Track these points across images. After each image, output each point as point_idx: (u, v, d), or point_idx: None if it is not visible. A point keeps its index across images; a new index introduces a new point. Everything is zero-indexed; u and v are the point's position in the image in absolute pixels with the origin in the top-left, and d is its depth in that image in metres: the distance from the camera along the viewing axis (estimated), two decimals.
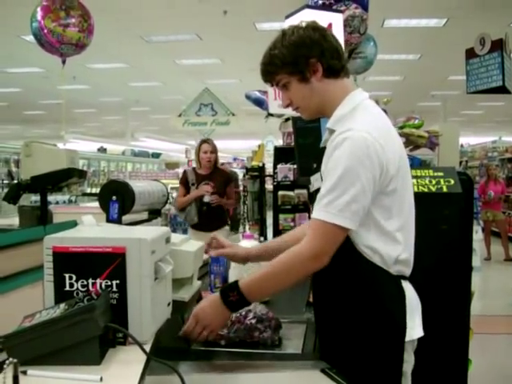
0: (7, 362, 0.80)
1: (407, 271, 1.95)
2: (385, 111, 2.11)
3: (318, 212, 1.79)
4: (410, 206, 1.98)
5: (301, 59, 1.96)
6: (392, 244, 1.87)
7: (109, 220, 2.41)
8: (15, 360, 0.80)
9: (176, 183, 14.53)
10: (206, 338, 1.91)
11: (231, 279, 2.59)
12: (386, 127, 1.93)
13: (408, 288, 1.94)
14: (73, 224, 2.72)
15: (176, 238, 1.92)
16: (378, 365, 1.87)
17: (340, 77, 2.01)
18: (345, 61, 2.05)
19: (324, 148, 2.01)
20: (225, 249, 2.32)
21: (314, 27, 2.00)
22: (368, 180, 1.77)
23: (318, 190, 1.97)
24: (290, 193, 5.34)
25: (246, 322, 2.02)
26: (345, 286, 1.87)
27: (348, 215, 1.76)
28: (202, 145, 6.13)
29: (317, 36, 1.97)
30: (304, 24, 2.03)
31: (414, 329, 1.92)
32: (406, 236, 1.92)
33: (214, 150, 6.09)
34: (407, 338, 1.88)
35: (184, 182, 6.11)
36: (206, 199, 5.76)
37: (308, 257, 1.78)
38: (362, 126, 1.83)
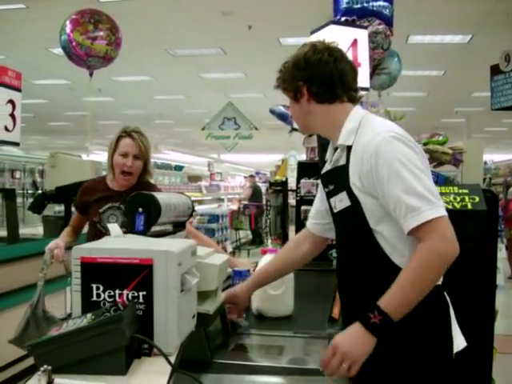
0: (41, 369, 0.81)
1: (441, 279, 1.93)
2: None
3: (413, 219, 1.74)
4: None
5: (291, 79, 2.02)
6: None
7: (134, 232, 2.42)
8: (49, 367, 0.82)
9: (199, 196, 14.59)
10: (348, 372, 1.72)
11: (254, 293, 2.59)
12: (400, 128, 1.95)
13: (448, 298, 1.94)
14: None
15: (201, 250, 1.93)
16: (429, 379, 1.84)
17: (337, 102, 2.01)
18: (344, 89, 2.02)
19: (336, 168, 2.01)
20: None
21: (317, 49, 2.01)
22: (423, 165, 1.82)
23: (345, 210, 1.96)
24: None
25: None
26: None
27: (438, 203, 1.76)
28: (120, 139, 3.41)
29: (313, 59, 1.98)
30: (319, 43, 2.05)
31: (459, 339, 1.92)
32: None
33: (143, 153, 3.44)
34: (456, 349, 1.87)
35: (78, 202, 3.55)
36: None
37: (440, 244, 1.73)
38: (382, 128, 1.86)
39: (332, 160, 2.05)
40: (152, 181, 3.67)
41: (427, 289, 1.75)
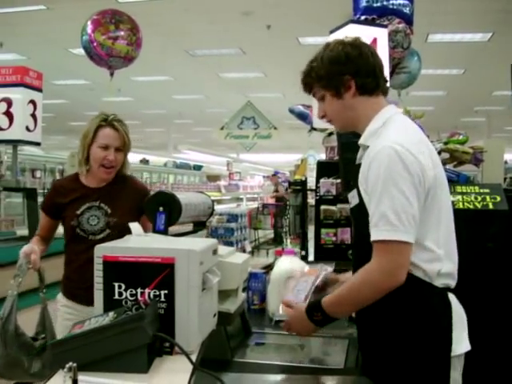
0: (67, 366, 0.82)
1: (452, 283, 1.93)
2: (420, 127, 2.11)
3: (374, 234, 1.80)
4: (449, 217, 1.96)
5: (335, 75, 1.99)
6: (432, 258, 1.85)
7: (155, 231, 2.44)
8: (75, 364, 0.83)
9: (218, 195, 14.61)
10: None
11: (270, 295, 2.59)
12: (417, 138, 1.93)
13: (454, 301, 1.91)
14: None
15: (222, 249, 1.94)
16: (423, 380, 1.85)
17: (374, 95, 2.03)
18: (382, 80, 2.06)
19: (358, 164, 2.01)
20: None
21: (353, 44, 2.03)
22: (409, 189, 1.77)
23: (355, 207, 1.98)
24: (332, 207, 5.31)
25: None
26: (389, 301, 1.84)
27: (400, 228, 1.75)
28: (100, 129, 2.91)
29: (354, 53, 1.99)
30: (347, 40, 2.05)
31: (461, 343, 1.89)
32: (446, 248, 1.89)
33: (126, 145, 2.96)
34: (453, 353, 1.85)
35: (49, 205, 3.02)
36: None
37: (377, 275, 1.78)
38: (392, 138, 1.85)
39: (358, 156, 2.07)
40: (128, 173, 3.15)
41: (363, 305, 1.88)
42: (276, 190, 15.67)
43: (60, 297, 2.96)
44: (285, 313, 2.16)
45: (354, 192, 1.98)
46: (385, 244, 1.76)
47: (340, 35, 3.60)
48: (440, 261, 1.86)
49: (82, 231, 2.85)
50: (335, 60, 1.99)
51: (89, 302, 2.58)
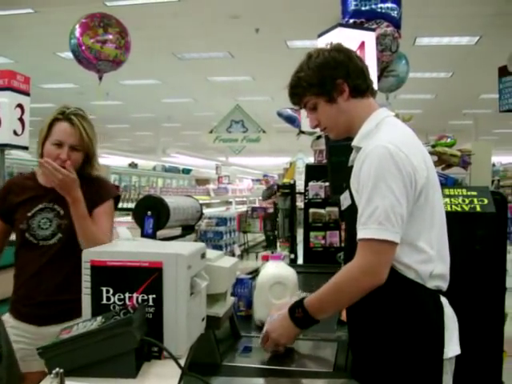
0: (53, 371, 0.82)
1: (444, 285, 1.94)
2: None
3: (360, 231, 1.81)
4: (442, 219, 1.97)
5: (327, 80, 1.99)
6: (425, 259, 1.86)
7: (143, 235, 2.44)
8: (61, 370, 0.82)
9: (206, 199, 14.59)
10: (276, 349, 2.06)
11: (256, 302, 2.56)
12: (409, 139, 1.95)
13: (446, 304, 1.92)
14: None
15: (211, 253, 1.93)
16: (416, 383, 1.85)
17: (366, 96, 2.05)
18: (370, 81, 2.08)
19: (350, 167, 2.02)
20: None
21: (338, 49, 2.05)
22: (399, 189, 1.78)
23: (347, 209, 1.99)
24: (321, 210, 5.32)
25: None
26: (380, 302, 1.86)
27: (389, 227, 1.76)
28: (55, 123, 2.56)
29: (341, 57, 2.01)
30: (329, 46, 2.07)
31: (452, 346, 1.89)
32: (439, 249, 1.90)
33: (85, 143, 2.57)
34: (445, 356, 1.85)
35: (2, 209, 2.64)
36: None
37: (359, 273, 1.80)
38: (385, 138, 1.86)
39: (351, 158, 2.07)
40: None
41: (344, 305, 1.97)
42: (273, 193, 15.54)
43: (7, 317, 2.54)
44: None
45: (347, 193, 1.99)
46: (372, 242, 1.77)
47: (328, 39, 3.62)
48: (432, 262, 1.87)
49: (31, 236, 2.51)
50: (325, 65, 2.00)
51: (41, 321, 2.46)
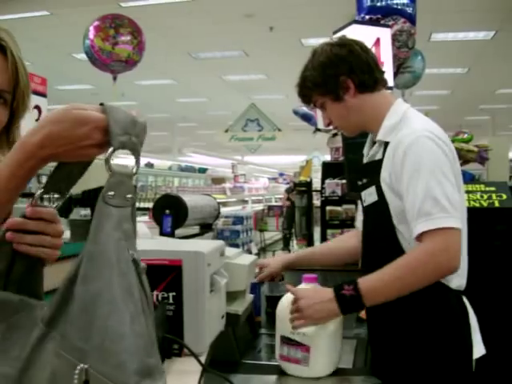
0: (78, 367, 0.83)
1: (464, 282, 1.89)
2: None
3: (428, 223, 1.69)
4: (465, 213, 1.92)
5: (330, 79, 1.95)
6: None
7: (162, 233, 2.45)
8: (85, 366, 0.83)
9: (223, 198, 14.65)
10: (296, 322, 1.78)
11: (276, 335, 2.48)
12: (440, 128, 1.90)
13: (468, 304, 1.88)
14: None
15: (229, 251, 1.94)
16: None
17: (376, 89, 2.00)
18: (379, 73, 2.02)
19: (371, 162, 1.99)
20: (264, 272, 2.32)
21: (341, 43, 2.00)
22: (451, 176, 1.75)
23: (372, 205, 1.95)
24: (338, 208, 5.33)
25: None
26: (404, 302, 1.79)
27: (455, 214, 1.70)
28: None
29: (343, 52, 1.96)
30: (333, 40, 2.03)
31: (477, 347, 1.86)
32: (463, 244, 1.82)
33: (19, 87, 1.32)
34: (475, 356, 1.82)
35: None
36: None
37: (435, 251, 1.68)
38: (420, 127, 1.82)
39: (369, 154, 2.03)
40: None
41: (408, 290, 1.72)
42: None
43: None
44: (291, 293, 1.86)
45: (372, 189, 1.94)
46: (442, 231, 1.68)
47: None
48: None
49: None
50: (327, 63, 1.96)
51: None
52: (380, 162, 1.91)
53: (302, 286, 2.10)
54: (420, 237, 1.71)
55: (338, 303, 1.73)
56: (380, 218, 1.89)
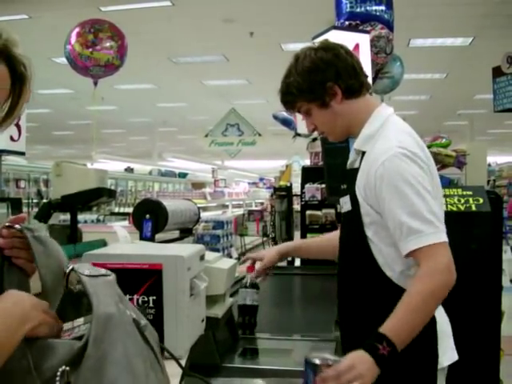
0: (60, 369, 0.84)
1: None
2: None
3: (414, 242, 1.67)
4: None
5: (317, 85, 1.90)
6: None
7: (142, 238, 2.45)
8: (67, 368, 0.84)
9: (203, 203, 14.63)
10: None
11: None
12: (416, 140, 1.86)
13: (439, 311, 1.84)
14: (102, 243, 2.78)
15: (209, 255, 1.95)
16: None
17: (362, 94, 1.96)
18: (364, 77, 1.98)
19: (350, 170, 1.97)
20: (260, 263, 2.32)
21: (325, 47, 1.94)
22: (432, 187, 1.75)
23: (346, 213, 1.95)
24: (318, 212, 5.35)
25: None
26: (372, 312, 1.79)
27: (441, 228, 1.69)
28: None
29: (329, 56, 1.90)
30: (316, 45, 1.97)
31: (446, 354, 1.84)
32: None
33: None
34: (439, 366, 1.80)
35: None
36: None
37: (443, 273, 1.65)
38: (396, 142, 1.78)
39: (350, 160, 2.01)
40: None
41: (430, 315, 1.68)
42: None
43: None
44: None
45: (347, 198, 1.92)
46: (435, 246, 1.66)
47: None
48: None
49: None
50: (312, 68, 1.90)
51: None
52: (356, 171, 1.89)
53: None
54: (412, 254, 1.69)
55: (378, 366, 1.55)
56: (353, 227, 1.88)
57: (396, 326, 1.60)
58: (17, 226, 1.13)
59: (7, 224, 1.13)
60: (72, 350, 0.94)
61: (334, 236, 2.23)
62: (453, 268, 1.67)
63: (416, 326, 1.63)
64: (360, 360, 1.55)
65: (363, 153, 1.90)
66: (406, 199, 1.70)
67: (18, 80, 1.22)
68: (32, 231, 1.12)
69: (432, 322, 1.76)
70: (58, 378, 0.86)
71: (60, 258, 1.14)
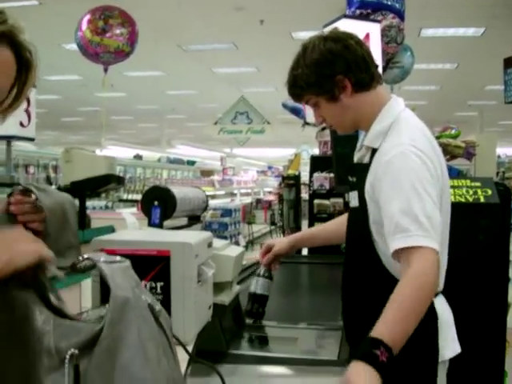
0: (69, 352, 0.85)
1: (440, 285, 1.83)
2: None
3: (400, 240, 1.60)
4: (449, 216, 1.87)
5: (325, 79, 1.83)
6: None
7: (150, 225, 2.47)
8: (76, 351, 0.85)
9: (211, 190, 14.67)
10: None
11: None
12: (428, 138, 1.82)
13: (440, 304, 1.82)
14: (110, 229, 2.79)
15: (217, 242, 1.96)
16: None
17: (372, 87, 1.89)
18: (374, 68, 1.91)
19: (360, 164, 1.94)
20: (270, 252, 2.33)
21: (335, 38, 1.86)
22: (436, 192, 1.68)
23: (353, 209, 1.94)
24: (326, 201, 5.34)
25: None
26: (374, 306, 1.67)
27: (433, 236, 1.60)
28: None
29: (339, 48, 1.82)
30: (325, 34, 1.89)
31: (447, 348, 1.82)
32: (441, 250, 1.68)
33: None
34: (440, 359, 1.78)
35: None
36: None
37: (426, 270, 1.56)
38: (408, 140, 1.73)
39: (359, 153, 1.97)
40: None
41: (422, 314, 1.57)
42: None
43: None
44: None
45: (355, 194, 1.90)
46: (420, 249, 1.58)
47: None
48: None
49: None
50: (321, 61, 1.82)
51: None
52: (367, 167, 1.84)
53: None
54: (398, 253, 1.63)
55: (379, 373, 1.44)
56: (359, 224, 1.86)
57: (391, 328, 1.51)
58: (19, 186, 1.24)
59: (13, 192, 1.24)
60: (92, 331, 0.96)
61: (341, 220, 2.22)
62: (438, 276, 1.62)
63: (410, 329, 1.54)
64: (359, 379, 1.45)
65: (373, 149, 1.86)
66: (403, 195, 1.64)
67: (24, 66, 1.22)
68: (33, 185, 1.26)
69: (432, 314, 1.74)
70: (66, 361, 0.88)
71: (63, 200, 1.28)
